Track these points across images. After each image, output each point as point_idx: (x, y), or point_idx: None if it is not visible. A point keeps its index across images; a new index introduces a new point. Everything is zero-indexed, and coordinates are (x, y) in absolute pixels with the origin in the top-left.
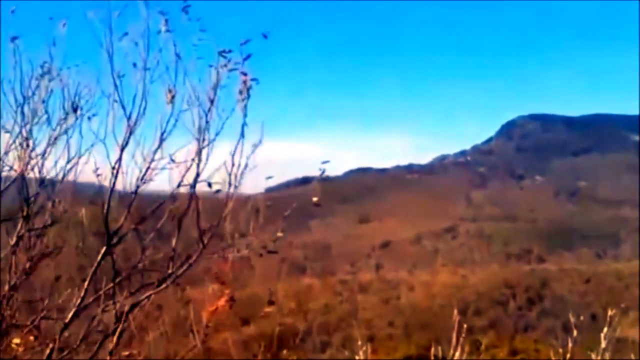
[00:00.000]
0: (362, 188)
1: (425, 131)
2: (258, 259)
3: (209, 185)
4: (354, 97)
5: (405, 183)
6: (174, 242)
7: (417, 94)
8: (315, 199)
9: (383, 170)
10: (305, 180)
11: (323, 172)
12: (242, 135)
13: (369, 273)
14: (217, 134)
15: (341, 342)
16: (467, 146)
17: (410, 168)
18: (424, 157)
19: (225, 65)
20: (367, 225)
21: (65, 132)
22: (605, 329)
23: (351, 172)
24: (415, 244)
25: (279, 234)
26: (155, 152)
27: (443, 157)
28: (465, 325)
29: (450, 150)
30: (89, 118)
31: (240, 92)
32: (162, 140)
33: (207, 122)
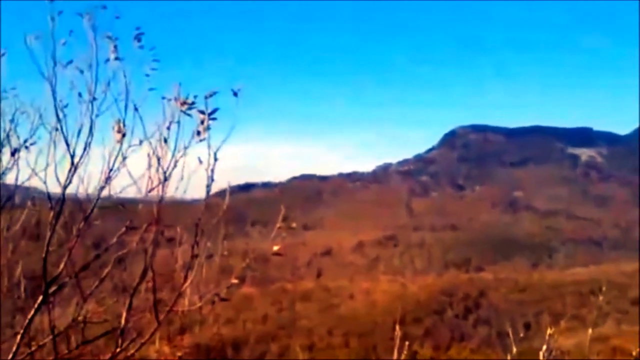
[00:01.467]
0: (304, 195)
1: (369, 140)
2: (195, 267)
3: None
4: (299, 104)
5: (347, 191)
6: (124, 313)
7: (362, 102)
8: (275, 248)
9: (326, 178)
10: (247, 187)
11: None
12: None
13: (310, 281)
14: (168, 175)
15: (279, 351)
16: (410, 155)
17: (353, 176)
18: (367, 166)
19: (184, 103)
20: (309, 233)
21: None
22: (547, 336)
23: (294, 179)
24: (356, 252)
25: (234, 281)
26: (100, 190)
27: (386, 166)
28: (402, 334)
29: (394, 159)
30: (26, 147)
31: (199, 133)
32: (108, 179)
33: (158, 159)
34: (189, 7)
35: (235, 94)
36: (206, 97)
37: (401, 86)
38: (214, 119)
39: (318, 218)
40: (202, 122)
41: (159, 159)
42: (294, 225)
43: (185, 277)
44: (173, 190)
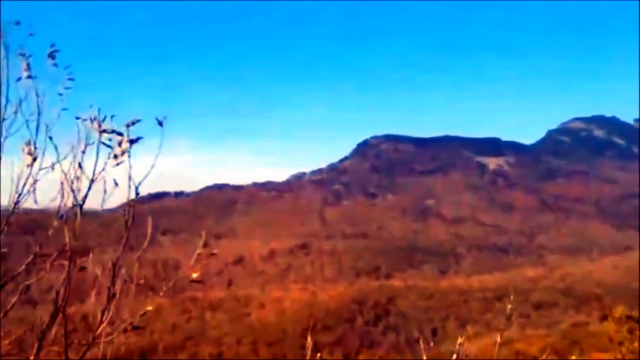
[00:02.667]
0: (217, 204)
1: (282, 149)
2: (102, 276)
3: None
4: (215, 114)
5: (261, 200)
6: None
7: (276, 113)
8: (194, 275)
9: (240, 187)
10: (160, 196)
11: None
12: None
13: (221, 290)
14: (82, 201)
15: None
16: (324, 165)
17: (267, 185)
18: (281, 175)
19: (103, 131)
20: (221, 242)
21: None
22: (459, 340)
23: (208, 188)
24: (268, 260)
25: (149, 308)
26: (9, 216)
27: (300, 176)
28: (312, 343)
29: (307, 168)
30: None
31: (115, 157)
32: (17, 203)
33: (71, 187)
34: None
35: (160, 124)
36: (127, 126)
37: (316, 98)
38: (134, 140)
39: (230, 227)
40: (120, 144)
41: (72, 184)
42: (215, 251)
43: (101, 321)
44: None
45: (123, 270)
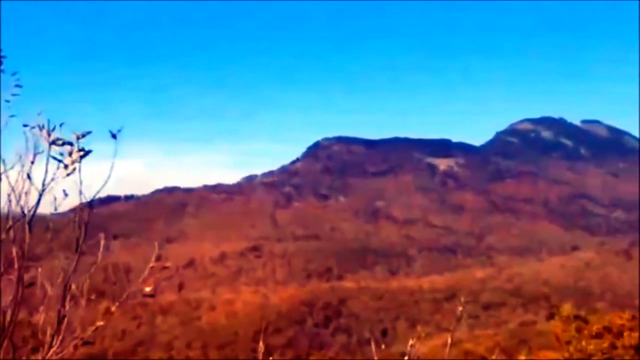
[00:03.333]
0: (168, 207)
1: (235, 151)
2: (49, 282)
3: None
4: (161, 115)
5: (212, 203)
6: None
7: (228, 115)
8: (147, 289)
9: (190, 190)
10: (110, 200)
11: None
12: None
13: (172, 294)
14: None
15: None
16: (275, 167)
17: (217, 188)
18: (233, 178)
19: (53, 143)
20: (171, 245)
21: None
22: (410, 342)
23: (158, 191)
24: (219, 263)
25: (99, 323)
26: None
27: (251, 178)
28: (263, 345)
29: (259, 170)
30: None
31: (66, 167)
32: None
33: (18, 199)
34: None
35: (114, 136)
36: (78, 138)
37: (266, 100)
38: (87, 152)
39: (181, 230)
40: (71, 154)
41: (19, 197)
42: (168, 264)
43: (51, 345)
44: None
45: (73, 286)
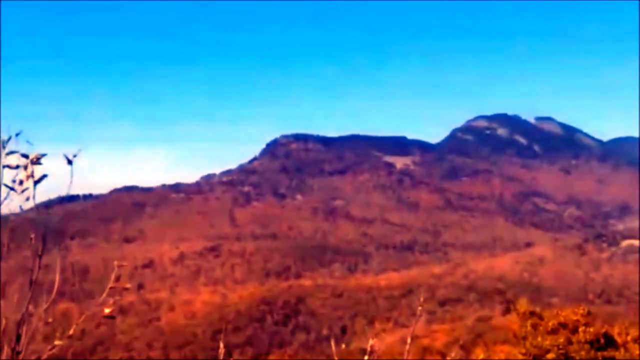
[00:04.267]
0: (126, 207)
1: (193, 150)
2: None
3: None
4: (120, 115)
5: (171, 202)
6: None
7: (183, 114)
8: (107, 310)
9: (149, 190)
10: (67, 199)
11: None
12: None
13: (130, 294)
14: None
15: None
16: (234, 165)
17: (176, 187)
18: (191, 177)
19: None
20: (130, 245)
21: None
22: (370, 341)
23: (116, 190)
24: (178, 263)
25: (70, 332)
26: None
27: (209, 177)
28: (223, 345)
29: (218, 169)
30: None
31: (21, 182)
32: None
33: None
34: None
35: (69, 162)
36: (32, 162)
37: (225, 97)
38: (40, 157)
39: (140, 230)
40: (26, 168)
41: None
42: (128, 286)
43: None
44: None
45: (33, 320)
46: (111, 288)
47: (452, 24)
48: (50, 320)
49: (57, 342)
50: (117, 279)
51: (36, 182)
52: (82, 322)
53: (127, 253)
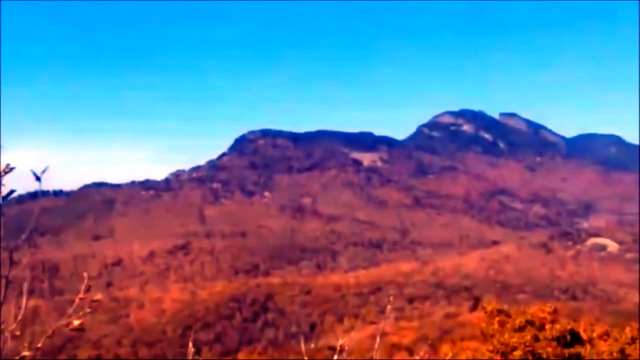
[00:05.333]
0: (96, 204)
1: (163, 146)
2: None
3: None
4: (91, 110)
5: (140, 199)
6: None
7: (153, 110)
8: (76, 322)
9: (118, 186)
10: (38, 194)
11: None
12: None
13: (100, 292)
14: None
15: None
16: (203, 161)
17: (146, 184)
18: (161, 173)
19: None
20: (99, 243)
21: None
22: (340, 341)
23: (86, 187)
24: (147, 261)
25: (48, 336)
26: None
27: (179, 173)
28: (191, 341)
29: (187, 165)
30: None
31: None
32: None
33: None
34: None
35: (37, 179)
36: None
37: (193, 93)
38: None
39: (110, 227)
40: None
41: None
42: (98, 296)
43: None
44: None
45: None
46: (81, 299)
47: (416, 22)
48: (19, 317)
49: (25, 353)
50: (88, 289)
51: (4, 197)
52: (49, 334)
53: (97, 251)
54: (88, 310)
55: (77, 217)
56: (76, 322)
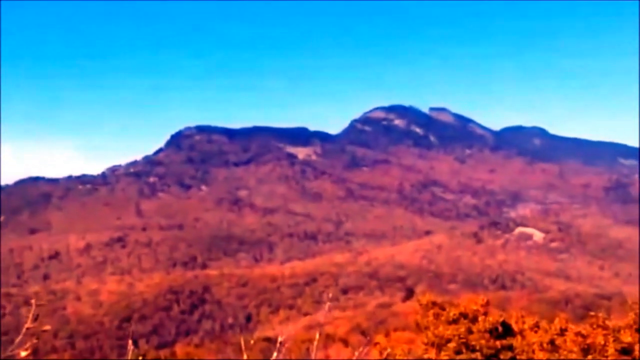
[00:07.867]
0: (32, 198)
1: (99, 141)
2: None
3: None
4: (29, 104)
5: (77, 193)
6: None
7: (92, 103)
8: (24, 353)
9: (55, 181)
10: None
11: None
12: None
13: (37, 284)
14: None
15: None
16: (139, 156)
17: (82, 179)
18: (97, 168)
19: None
20: (36, 236)
21: None
22: (280, 337)
23: (22, 181)
24: (84, 253)
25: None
26: None
27: (115, 168)
28: (128, 333)
29: (122, 160)
30: None
31: None
32: None
33: None
34: None
35: None
36: None
37: (129, 88)
38: None
39: (46, 221)
40: None
41: None
42: (47, 327)
43: None
44: None
45: None
46: (28, 329)
47: (346, 20)
48: None
49: None
50: (35, 318)
51: None
52: None
53: (34, 244)
54: (35, 340)
55: (12, 211)
56: (23, 354)
